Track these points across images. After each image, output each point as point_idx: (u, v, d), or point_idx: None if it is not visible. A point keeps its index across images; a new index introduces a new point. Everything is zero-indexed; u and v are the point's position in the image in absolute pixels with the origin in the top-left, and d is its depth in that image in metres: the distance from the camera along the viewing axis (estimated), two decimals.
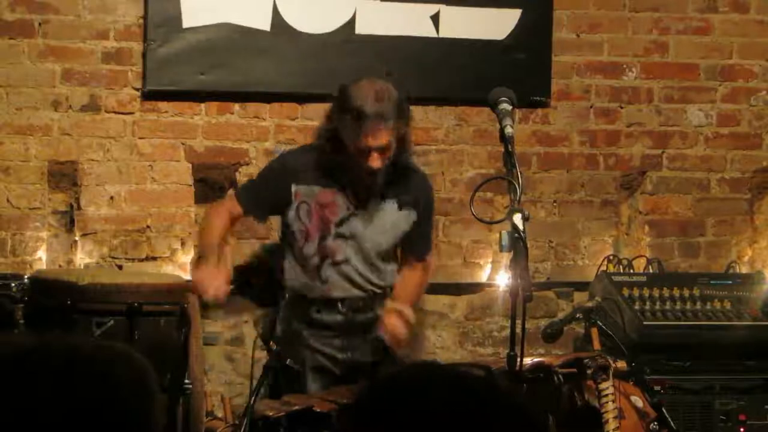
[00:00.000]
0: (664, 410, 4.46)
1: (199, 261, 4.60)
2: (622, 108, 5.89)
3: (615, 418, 4.27)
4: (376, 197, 4.55)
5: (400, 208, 4.59)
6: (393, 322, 4.52)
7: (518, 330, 3.59)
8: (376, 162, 4.39)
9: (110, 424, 1.62)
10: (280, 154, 4.93)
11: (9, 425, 1.58)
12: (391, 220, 4.58)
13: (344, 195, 4.52)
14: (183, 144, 5.44)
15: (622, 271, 5.68)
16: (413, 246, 4.70)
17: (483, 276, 5.75)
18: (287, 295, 4.58)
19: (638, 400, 4.45)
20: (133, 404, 1.65)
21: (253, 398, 3.98)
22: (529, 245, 3.64)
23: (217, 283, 4.43)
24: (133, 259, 5.38)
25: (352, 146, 4.39)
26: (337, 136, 4.43)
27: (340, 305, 4.58)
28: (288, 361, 4.23)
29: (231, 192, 5.18)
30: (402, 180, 4.54)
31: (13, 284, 4.88)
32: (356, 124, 4.35)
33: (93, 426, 1.61)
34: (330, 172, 4.52)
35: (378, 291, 4.64)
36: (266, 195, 4.58)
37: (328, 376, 4.59)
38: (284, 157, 4.72)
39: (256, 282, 4.74)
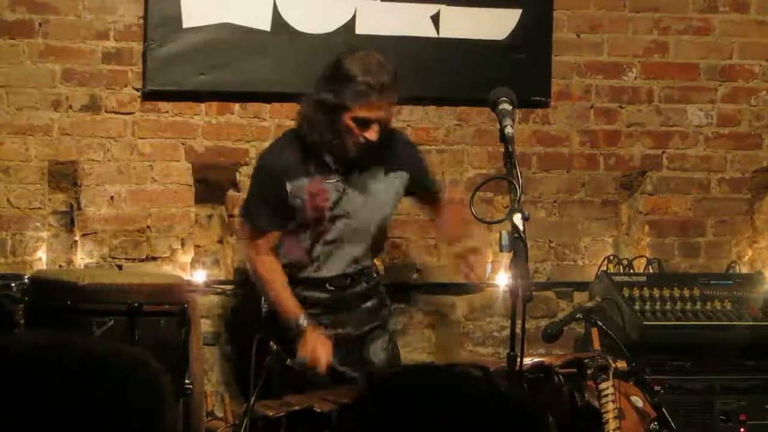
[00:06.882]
0: (664, 410, 4.46)
1: (297, 330, 4.47)
2: (622, 108, 5.88)
3: (615, 418, 4.27)
4: (363, 169, 4.55)
5: (387, 173, 4.59)
6: (471, 262, 4.49)
7: (518, 330, 3.59)
8: (373, 135, 4.37)
9: (119, 427, 1.62)
10: (259, 158, 4.83)
11: (18, 422, 1.58)
12: (381, 188, 4.58)
13: (331, 178, 4.51)
14: (183, 144, 5.43)
15: (622, 271, 5.68)
16: (426, 196, 4.76)
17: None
18: None
19: (638, 400, 4.45)
20: (143, 409, 1.65)
21: (253, 398, 3.98)
22: (529, 245, 3.65)
23: (326, 351, 4.41)
24: (133, 259, 5.38)
25: (348, 119, 4.36)
26: (327, 110, 4.38)
27: (327, 284, 4.58)
28: (288, 361, 4.23)
29: (248, 230, 4.69)
30: (384, 145, 4.51)
31: (13, 284, 4.88)
32: (357, 95, 4.32)
33: (101, 427, 1.60)
34: (313, 159, 4.49)
35: (366, 266, 4.66)
36: (275, 206, 4.54)
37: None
38: (265, 162, 4.64)
39: None
